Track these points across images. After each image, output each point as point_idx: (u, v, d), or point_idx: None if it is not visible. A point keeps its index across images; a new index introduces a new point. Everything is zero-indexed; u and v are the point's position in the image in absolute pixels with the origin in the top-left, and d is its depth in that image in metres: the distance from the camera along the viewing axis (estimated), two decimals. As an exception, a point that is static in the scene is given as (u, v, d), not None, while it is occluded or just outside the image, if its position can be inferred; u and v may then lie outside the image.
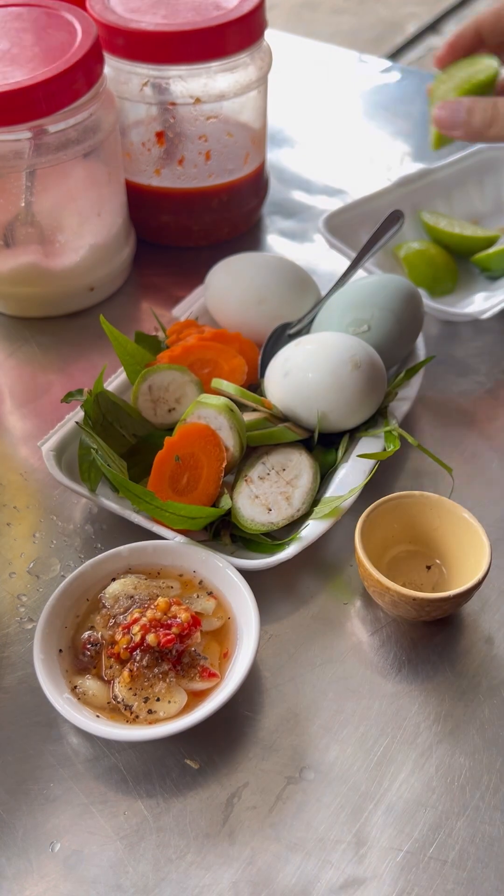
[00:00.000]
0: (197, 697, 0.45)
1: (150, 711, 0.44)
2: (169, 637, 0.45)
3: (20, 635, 0.51)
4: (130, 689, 0.45)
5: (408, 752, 0.46)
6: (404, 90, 1.04)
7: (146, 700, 0.44)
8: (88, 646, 0.47)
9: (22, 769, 0.43)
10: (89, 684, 0.45)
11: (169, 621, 0.46)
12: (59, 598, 0.48)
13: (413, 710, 0.48)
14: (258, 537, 0.53)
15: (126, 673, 0.45)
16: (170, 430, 0.59)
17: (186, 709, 0.45)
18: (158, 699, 0.44)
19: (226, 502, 0.54)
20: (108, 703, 0.45)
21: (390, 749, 0.46)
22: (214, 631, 0.48)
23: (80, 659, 0.47)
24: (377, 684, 0.49)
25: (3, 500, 0.59)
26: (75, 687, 0.45)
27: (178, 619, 0.46)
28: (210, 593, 0.50)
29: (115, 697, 0.45)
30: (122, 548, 0.50)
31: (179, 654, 0.46)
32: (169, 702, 0.44)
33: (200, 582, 0.50)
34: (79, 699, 0.44)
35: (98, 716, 0.44)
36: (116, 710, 0.45)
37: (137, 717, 0.44)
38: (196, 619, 0.47)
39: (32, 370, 0.69)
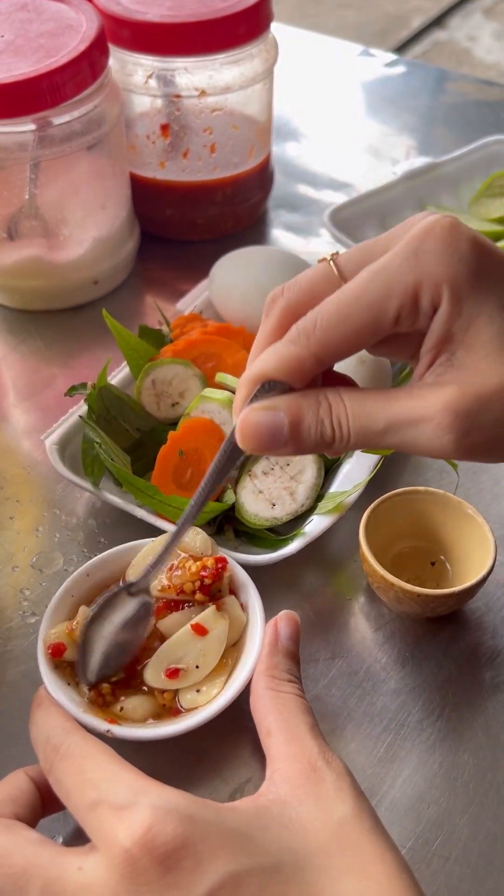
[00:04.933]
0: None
1: (198, 691, 0.45)
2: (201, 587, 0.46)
3: (23, 629, 0.51)
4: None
5: (411, 748, 0.46)
6: (409, 84, 1.04)
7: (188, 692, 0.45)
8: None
9: (25, 764, 0.43)
10: (132, 702, 0.44)
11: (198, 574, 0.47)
12: (55, 609, 0.47)
13: (417, 706, 0.47)
14: (262, 532, 0.53)
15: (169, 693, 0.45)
16: (173, 424, 0.58)
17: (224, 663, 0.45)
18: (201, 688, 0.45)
19: (229, 497, 0.53)
20: (155, 711, 0.44)
21: (394, 745, 0.46)
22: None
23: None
24: (381, 680, 0.49)
25: (5, 494, 0.59)
26: (121, 708, 0.44)
27: (206, 568, 0.47)
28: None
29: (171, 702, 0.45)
30: (124, 546, 0.50)
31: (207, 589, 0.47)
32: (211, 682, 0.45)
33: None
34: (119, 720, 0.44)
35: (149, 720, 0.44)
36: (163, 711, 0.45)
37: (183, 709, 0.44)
38: (222, 559, 0.47)
39: (36, 363, 0.69)
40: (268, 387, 0.37)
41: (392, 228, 0.38)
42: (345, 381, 0.41)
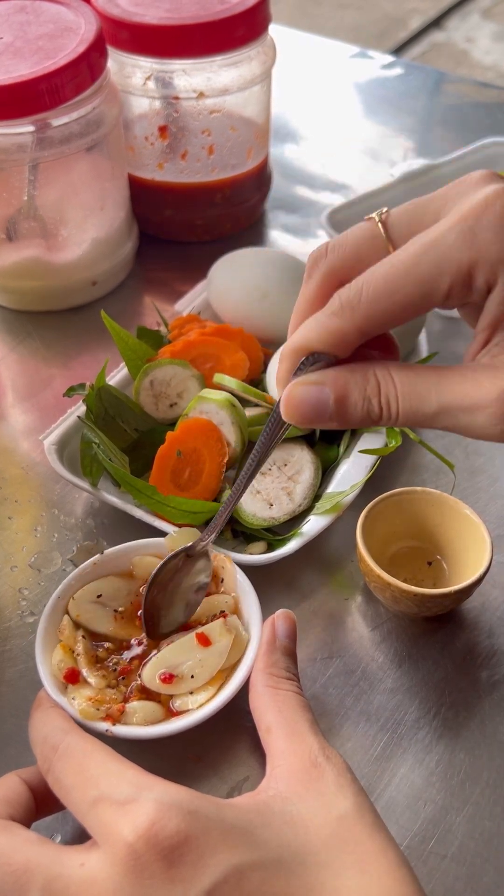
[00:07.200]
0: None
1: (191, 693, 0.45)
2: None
3: (21, 629, 0.51)
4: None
5: (408, 747, 0.46)
6: (408, 85, 1.04)
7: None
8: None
9: (24, 763, 0.43)
10: (137, 706, 0.44)
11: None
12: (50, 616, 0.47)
13: (413, 705, 0.48)
14: (259, 532, 0.53)
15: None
16: (172, 424, 0.58)
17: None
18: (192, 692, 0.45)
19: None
20: (165, 715, 0.44)
21: (390, 744, 0.46)
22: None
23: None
24: (377, 679, 0.49)
25: (4, 494, 0.59)
26: (123, 712, 0.44)
27: None
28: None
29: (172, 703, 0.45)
30: (122, 546, 0.50)
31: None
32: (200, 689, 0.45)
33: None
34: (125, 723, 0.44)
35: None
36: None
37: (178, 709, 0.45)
38: None
39: (35, 364, 0.69)
40: (312, 359, 0.36)
41: (446, 186, 0.35)
42: (386, 339, 0.40)
